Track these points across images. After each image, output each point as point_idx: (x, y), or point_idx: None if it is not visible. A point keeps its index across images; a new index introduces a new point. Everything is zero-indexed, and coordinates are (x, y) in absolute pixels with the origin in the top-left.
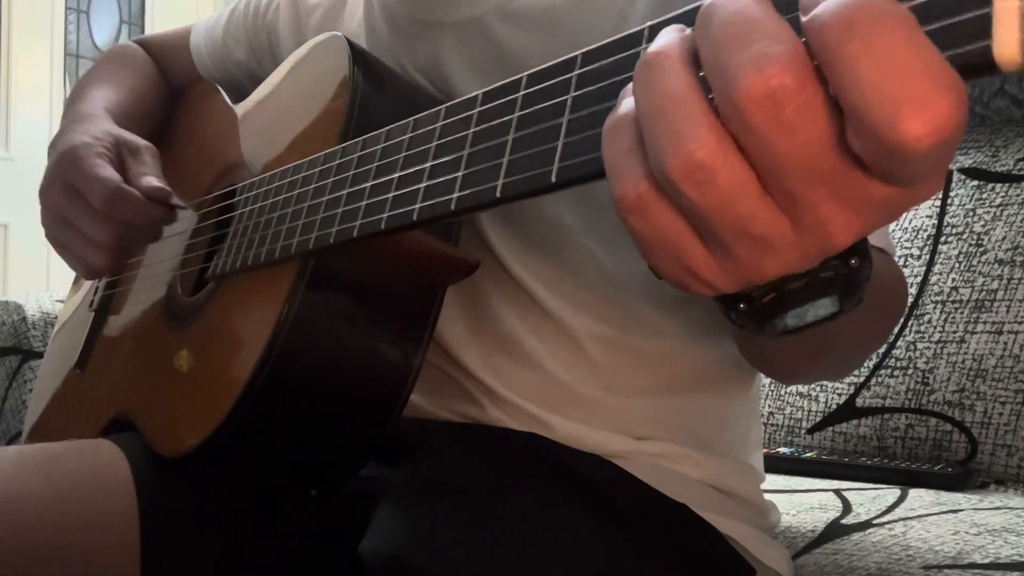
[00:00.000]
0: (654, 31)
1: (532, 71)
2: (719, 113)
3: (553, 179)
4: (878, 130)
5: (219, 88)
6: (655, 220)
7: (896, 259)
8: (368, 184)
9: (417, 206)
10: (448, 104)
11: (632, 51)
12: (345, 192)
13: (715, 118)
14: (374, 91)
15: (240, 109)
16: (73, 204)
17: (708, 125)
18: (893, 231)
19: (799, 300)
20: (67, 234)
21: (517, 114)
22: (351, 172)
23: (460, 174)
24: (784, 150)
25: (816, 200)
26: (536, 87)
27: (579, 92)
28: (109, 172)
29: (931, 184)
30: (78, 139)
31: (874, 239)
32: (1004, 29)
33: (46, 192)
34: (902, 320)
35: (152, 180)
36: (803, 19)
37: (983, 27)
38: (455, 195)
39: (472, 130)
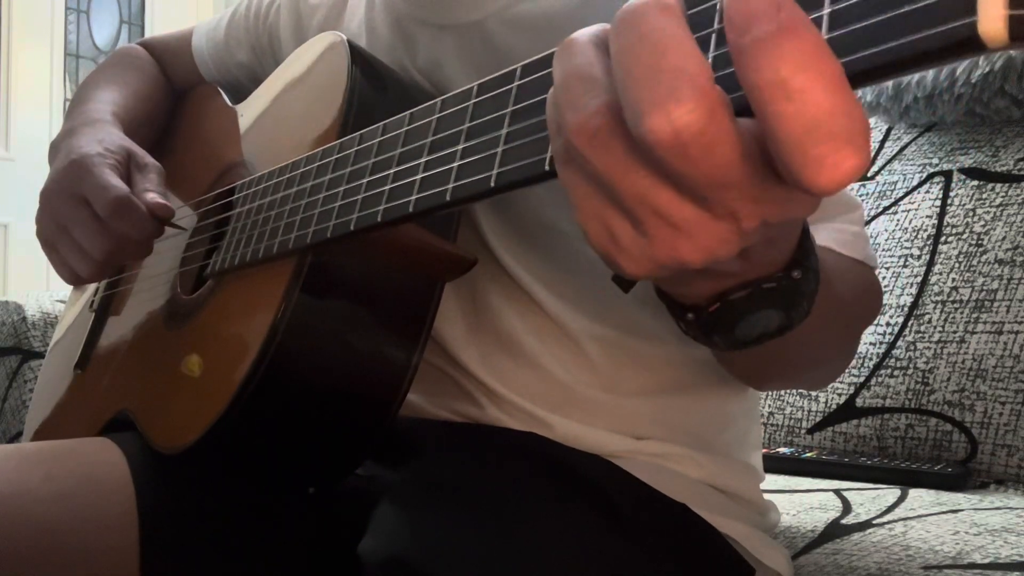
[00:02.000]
0: None
1: (527, 62)
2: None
3: (547, 167)
4: (798, 179)
5: (220, 90)
6: (573, 176)
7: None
8: (365, 178)
9: (413, 197)
10: (444, 97)
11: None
12: (342, 187)
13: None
14: (373, 90)
15: (240, 109)
16: (75, 212)
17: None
18: (893, 231)
19: (743, 310)
20: (61, 239)
21: (511, 105)
22: (348, 167)
23: (456, 165)
24: (691, 174)
25: (725, 199)
26: (530, 77)
27: None
28: (118, 182)
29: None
30: (90, 148)
31: (851, 251)
32: (989, 4)
33: (49, 195)
34: (902, 320)
35: (157, 197)
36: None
37: (967, 3)
38: (450, 185)
39: (467, 122)
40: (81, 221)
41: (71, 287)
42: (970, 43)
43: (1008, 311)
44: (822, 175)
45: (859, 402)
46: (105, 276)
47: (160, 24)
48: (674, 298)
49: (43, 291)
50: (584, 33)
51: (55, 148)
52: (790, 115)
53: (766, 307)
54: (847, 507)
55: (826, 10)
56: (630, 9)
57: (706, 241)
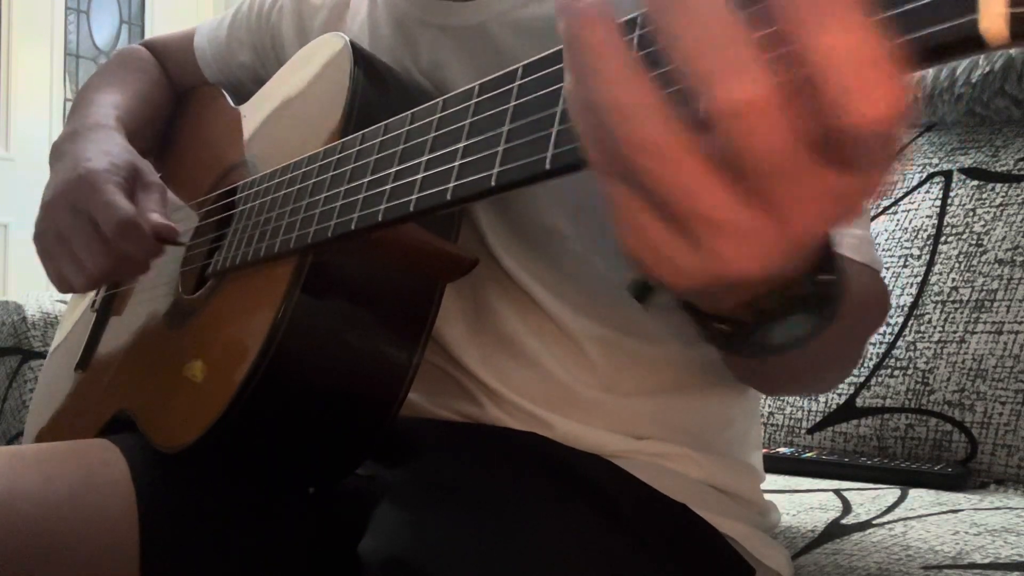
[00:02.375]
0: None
1: (528, 61)
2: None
3: (548, 166)
4: (841, 118)
5: (223, 91)
6: (618, 188)
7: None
8: (366, 178)
9: (414, 197)
10: (445, 96)
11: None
12: (344, 186)
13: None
14: (375, 91)
15: (243, 110)
16: (77, 226)
17: (653, 108)
18: (893, 231)
19: (776, 318)
20: (60, 250)
21: (512, 103)
22: (349, 166)
23: (456, 164)
24: (756, 151)
25: (779, 194)
26: (531, 77)
27: None
28: (125, 202)
29: (883, 170)
30: (98, 163)
31: (859, 255)
32: (990, 1)
33: (53, 205)
34: (902, 320)
35: (162, 219)
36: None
37: (968, 1)
38: (451, 184)
39: (468, 120)
40: (84, 236)
41: None
42: (971, 41)
43: (1008, 311)
44: (867, 106)
45: (859, 402)
46: (95, 288)
47: (160, 24)
48: (701, 309)
49: (43, 291)
50: (611, 44)
51: (58, 150)
52: (831, 48)
53: (796, 312)
54: (847, 507)
55: None
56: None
57: (758, 247)
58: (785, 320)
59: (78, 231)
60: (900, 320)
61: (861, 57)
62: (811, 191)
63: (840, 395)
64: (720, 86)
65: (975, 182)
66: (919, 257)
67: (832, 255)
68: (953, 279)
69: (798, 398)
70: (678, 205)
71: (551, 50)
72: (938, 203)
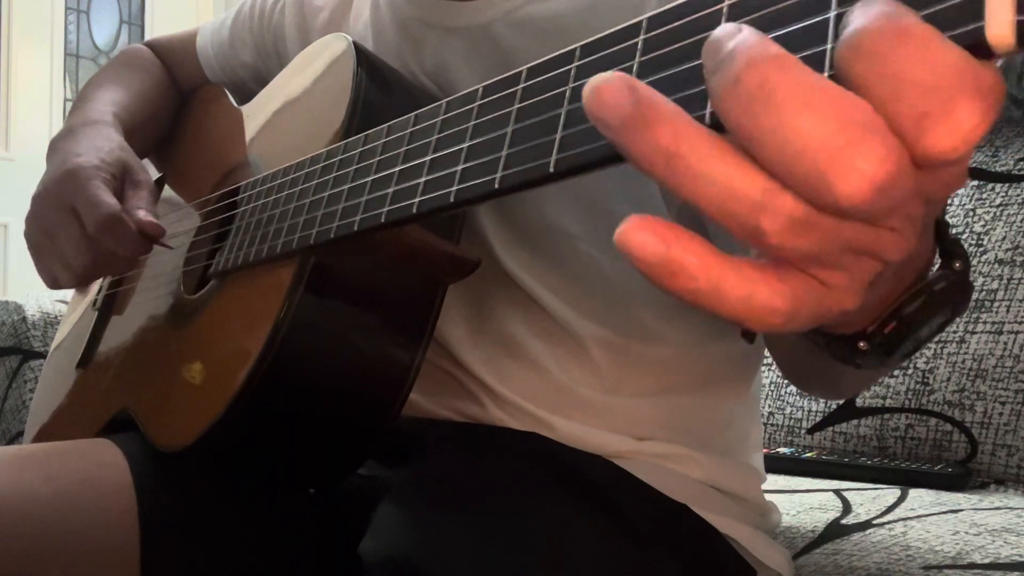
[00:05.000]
0: (652, 23)
1: (532, 64)
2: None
3: (551, 169)
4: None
5: (225, 91)
6: (794, 289)
7: None
8: (369, 179)
9: (417, 199)
10: (449, 98)
11: (629, 42)
12: (346, 187)
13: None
14: (378, 92)
15: (245, 110)
16: (63, 223)
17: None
18: None
19: (920, 320)
20: (47, 246)
21: (516, 106)
22: (353, 167)
23: (460, 167)
24: (889, 210)
25: (908, 210)
26: (536, 79)
27: (578, 83)
28: (110, 198)
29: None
30: (86, 159)
31: None
32: (997, 9)
33: (40, 201)
34: None
35: (148, 215)
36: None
37: (975, 8)
38: (454, 187)
39: (472, 123)
40: (68, 233)
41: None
42: (978, 49)
43: (1008, 311)
44: (936, 133)
45: (859, 402)
46: (85, 285)
47: (160, 24)
48: (835, 334)
49: (43, 291)
50: (708, 148)
51: (54, 147)
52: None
53: (940, 309)
54: (847, 507)
55: (832, 13)
56: (762, 83)
57: (890, 253)
58: (932, 319)
59: (63, 228)
60: None
61: (934, 85)
62: (930, 192)
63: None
64: (851, 173)
65: (975, 182)
66: None
67: (953, 240)
68: None
69: (798, 398)
70: (829, 261)
71: (556, 53)
72: None
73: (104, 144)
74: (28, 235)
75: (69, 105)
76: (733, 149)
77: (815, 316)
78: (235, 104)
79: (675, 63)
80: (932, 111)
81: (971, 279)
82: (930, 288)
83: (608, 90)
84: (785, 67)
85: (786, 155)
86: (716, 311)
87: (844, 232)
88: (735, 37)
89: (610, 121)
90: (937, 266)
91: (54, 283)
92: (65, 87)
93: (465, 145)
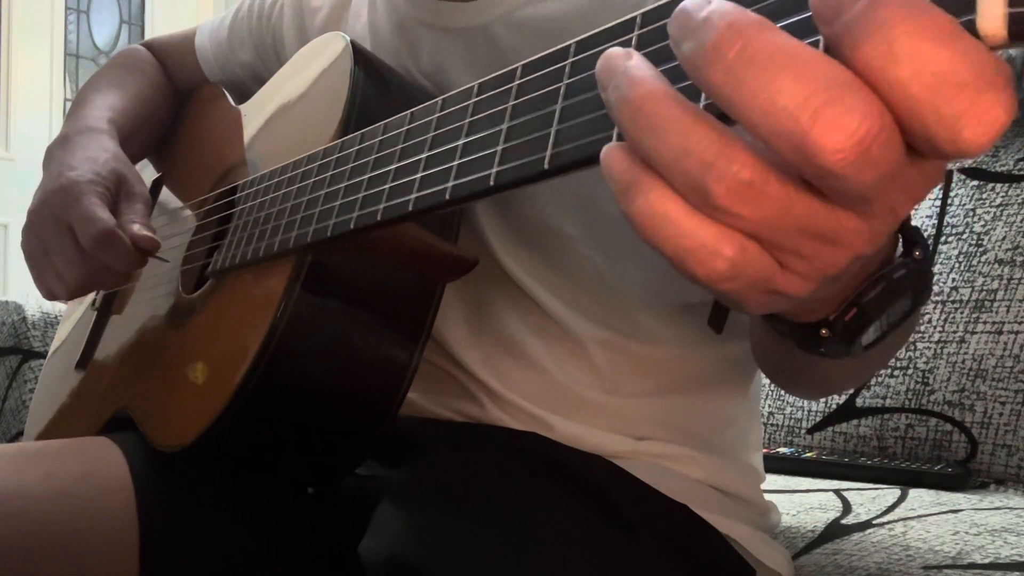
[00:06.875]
0: (647, 19)
1: (527, 60)
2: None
3: (546, 165)
4: (940, 146)
5: (224, 91)
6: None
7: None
8: (365, 176)
9: (413, 196)
10: (445, 96)
11: (624, 38)
12: (343, 185)
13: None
14: (375, 91)
15: (243, 110)
16: (58, 238)
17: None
18: None
19: (880, 307)
20: (42, 259)
21: (512, 103)
22: (349, 165)
23: (455, 163)
24: (868, 179)
25: (889, 195)
26: (531, 76)
27: (573, 79)
28: (104, 213)
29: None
30: (81, 172)
31: None
32: (988, 2)
33: (36, 215)
34: None
35: (143, 230)
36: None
37: (967, 1)
38: (450, 184)
39: (468, 119)
40: (62, 248)
41: None
42: None
43: (1008, 311)
44: (966, 133)
45: (859, 402)
46: (80, 297)
47: (160, 24)
48: (797, 322)
49: None
50: (659, 94)
51: (50, 155)
52: (909, 80)
53: (900, 297)
54: (847, 507)
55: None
56: (744, 47)
57: (859, 246)
58: (893, 306)
59: (58, 243)
60: None
61: (952, 75)
62: (903, 186)
63: (840, 395)
64: (833, 129)
65: (975, 182)
66: None
67: (916, 229)
68: (953, 279)
69: (798, 398)
70: (784, 241)
71: (550, 49)
72: (938, 203)
73: (99, 155)
74: (25, 247)
75: (69, 105)
76: (695, 112)
77: (758, 286)
78: (233, 103)
79: (669, 58)
80: (963, 107)
81: (931, 268)
82: (890, 276)
83: (613, 54)
84: (766, 30)
85: (770, 116)
86: (662, 242)
87: (795, 208)
88: (706, 8)
89: (600, 75)
90: (899, 254)
91: (50, 296)
92: (65, 87)
93: (461, 142)
